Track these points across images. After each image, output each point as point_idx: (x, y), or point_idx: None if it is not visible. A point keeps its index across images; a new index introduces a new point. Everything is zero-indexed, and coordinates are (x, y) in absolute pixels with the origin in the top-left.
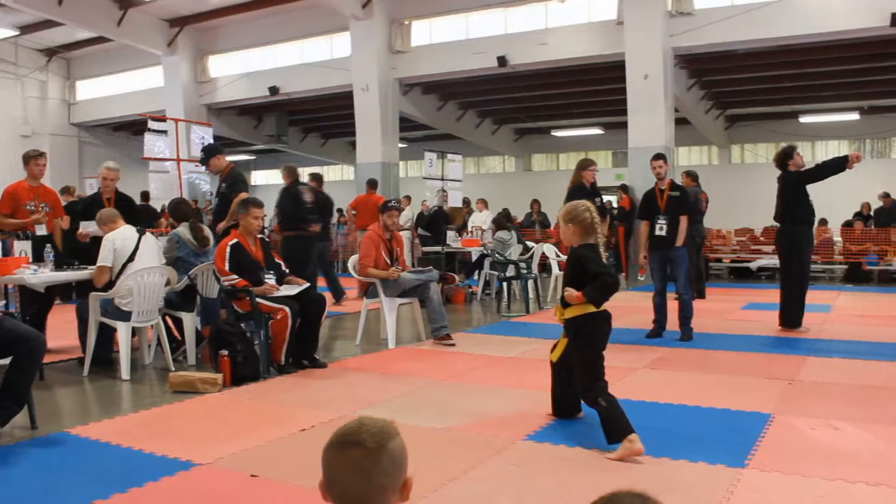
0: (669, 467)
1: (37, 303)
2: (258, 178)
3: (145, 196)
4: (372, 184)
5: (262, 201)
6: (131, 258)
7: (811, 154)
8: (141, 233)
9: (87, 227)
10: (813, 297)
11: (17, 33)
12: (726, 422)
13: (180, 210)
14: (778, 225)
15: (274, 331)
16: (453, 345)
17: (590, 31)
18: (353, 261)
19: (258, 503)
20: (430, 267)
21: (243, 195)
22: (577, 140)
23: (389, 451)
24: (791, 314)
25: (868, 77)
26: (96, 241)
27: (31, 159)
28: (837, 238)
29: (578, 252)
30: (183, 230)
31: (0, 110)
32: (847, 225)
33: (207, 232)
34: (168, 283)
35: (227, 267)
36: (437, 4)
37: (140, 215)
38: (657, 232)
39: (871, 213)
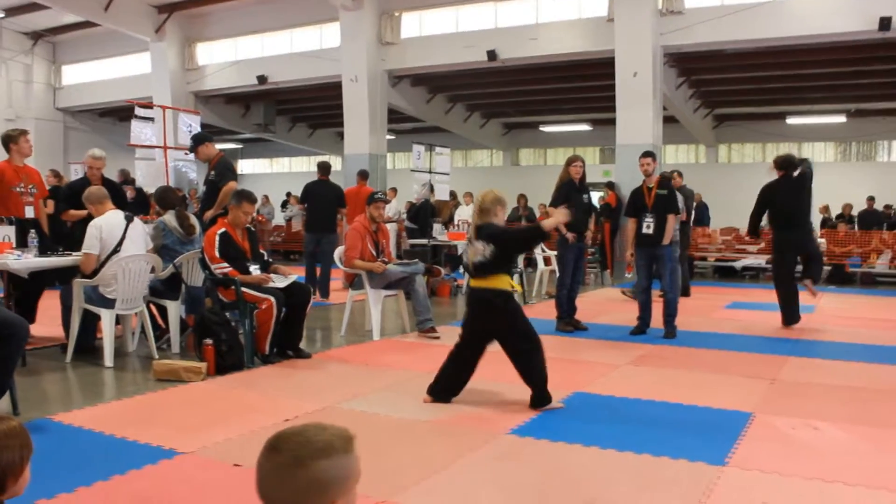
0: (650, 464)
1: (22, 288)
2: (245, 166)
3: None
4: (363, 175)
5: (256, 197)
6: (118, 247)
7: (798, 155)
8: (129, 219)
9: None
10: None
11: (2, 15)
12: (707, 420)
13: (167, 198)
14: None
15: (259, 320)
16: (438, 337)
17: (580, 27)
18: (339, 252)
19: (241, 492)
20: (416, 259)
21: (234, 184)
22: (566, 136)
23: (310, 469)
24: (788, 312)
25: (855, 80)
26: (82, 223)
27: (21, 136)
28: (821, 240)
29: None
30: (169, 218)
31: None
32: (830, 227)
33: (193, 220)
34: (153, 270)
35: (217, 254)
36: None
37: (126, 202)
38: (644, 230)
39: (853, 215)
